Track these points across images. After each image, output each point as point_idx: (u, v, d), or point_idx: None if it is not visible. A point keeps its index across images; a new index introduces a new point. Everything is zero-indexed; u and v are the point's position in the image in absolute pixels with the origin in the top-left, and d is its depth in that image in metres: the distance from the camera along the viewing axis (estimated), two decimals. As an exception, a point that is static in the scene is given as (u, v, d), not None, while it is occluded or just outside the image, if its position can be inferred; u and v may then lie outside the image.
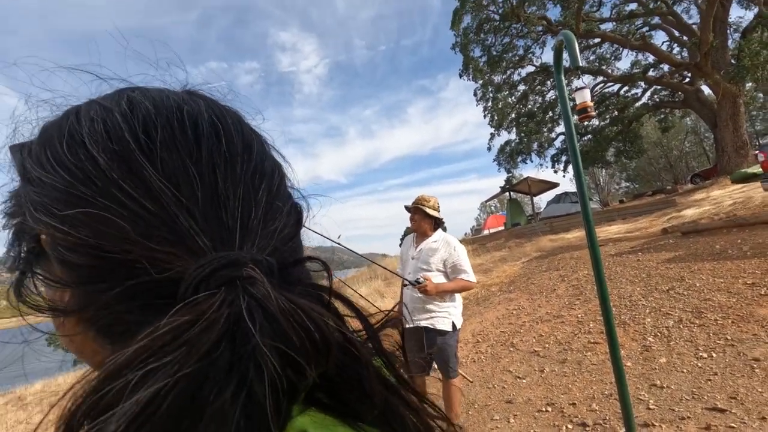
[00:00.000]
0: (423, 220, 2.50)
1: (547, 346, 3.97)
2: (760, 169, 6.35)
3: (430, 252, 2.45)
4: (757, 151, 10.16)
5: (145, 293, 0.23)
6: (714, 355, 2.88)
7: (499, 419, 2.76)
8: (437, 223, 2.56)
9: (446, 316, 2.33)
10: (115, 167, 0.23)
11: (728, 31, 15.08)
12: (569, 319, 4.51)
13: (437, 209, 2.55)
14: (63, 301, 0.25)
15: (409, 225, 2.64)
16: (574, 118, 2.32)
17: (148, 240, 0.23)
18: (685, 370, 2.79)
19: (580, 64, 1.95)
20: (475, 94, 19.45)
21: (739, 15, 38.51)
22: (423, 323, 2.33)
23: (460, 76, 18.39)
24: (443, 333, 2.30)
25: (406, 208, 2.58)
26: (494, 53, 17.35)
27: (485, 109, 19.58)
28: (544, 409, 2.75)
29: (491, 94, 18.94)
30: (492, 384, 3.41)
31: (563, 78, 2.34)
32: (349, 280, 16.84)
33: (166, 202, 0.24)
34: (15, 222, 0.27)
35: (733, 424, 2.09)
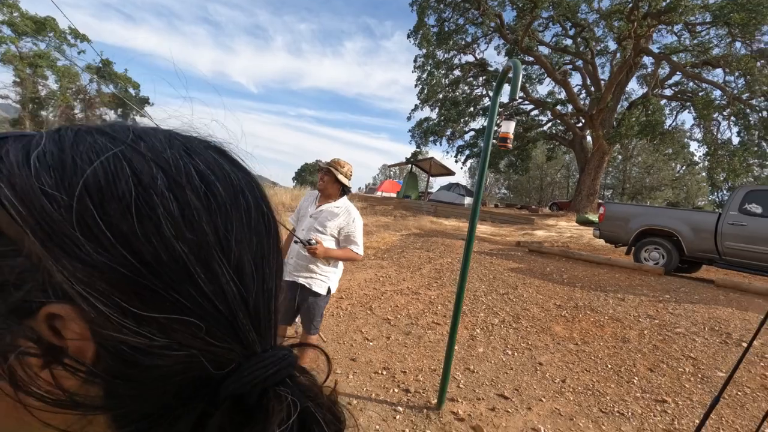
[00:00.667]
0: (331, 184, 2.49)
1: (399, 317, 4.48)
2: (597, 219, 7.93)
3: (330, 216, 2.48)
4: (600, 202, 12.63)
5: (186, 387, 0.22)
6: (515, 354, 3.66)
7: (340, 374, 3.07)
8: (344, 190, 2.58)
9: (324, 280, 2.43)
10: (192, 260, 0.22)
11: (622, 97, 17.95)
12: (423, 298, 5.13)
13: (349, 177, 2.56)
14: (85, 394, 0.21)
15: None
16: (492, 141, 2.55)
17: (211, 337, 0.22)
18: (492, 362, 3.49)
19: (517, 98, 2.12)
20: (415, 61, 19.38)
21: (634, 87, 45.90)
22: (301, 280, 2.39)
23: (408, 36, 18.01)
24: (316, 294, 2.41)
25: (319, 166, 2.53)
26: (446, 29, 17.35)
27: (419, 79, 19.73)
28: (380, 372, 3.16)
29: (429, 68, 19.10)
30: (343, 341, 3.74)
31: (498, 98, 2.52)
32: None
33: (231, 300, 0.23)
34: (13, 283, 0.20)
35: (509, 410, 2.74)
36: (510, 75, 2.21)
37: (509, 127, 2.26)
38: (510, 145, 2.34)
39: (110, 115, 14.72)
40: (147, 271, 0.21)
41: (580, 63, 18.55)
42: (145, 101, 15.40)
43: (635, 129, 14.18)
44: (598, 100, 15.66)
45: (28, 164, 0.21)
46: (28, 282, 0.20)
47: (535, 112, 20.31)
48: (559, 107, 18.46)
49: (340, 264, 2.61)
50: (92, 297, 0.20)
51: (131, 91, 14.90)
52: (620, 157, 34.94)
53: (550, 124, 20.62)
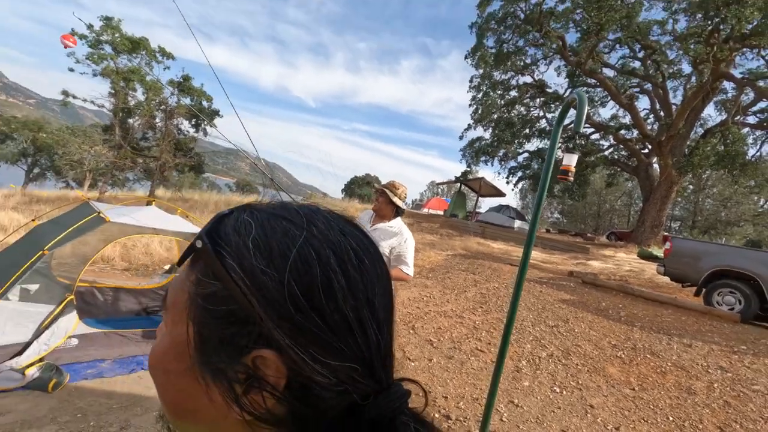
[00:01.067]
0: (386, 205, 2.58)
1: (441, 339, 4.43)
2: (662, 254, 7.35)
3: (384, 235, 2.57)
4: (667, 235, 11.69)
5: (340, 413, 0.30)
6: (564, 392, 3.48)
7: (381, 391, 3.11)
8: (398, 211, 2.66)
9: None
10: (354, 320, 0.30)
11: (697, 123, 16.62)
12: (468, 322, 5.03)
13: (403, 199, 2.64)
14: (277, 413, 0.30)
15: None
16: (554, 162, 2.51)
17: (360, 377, 0.30)
18: (539, 398, 3.34)
19: (580, 131, 2.09)
20: (471, 81, 19.37)
21: (711, 113, 42.22)
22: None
23: (466, 57, 18.08)
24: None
25: (375, 187, 2.64)
26: (505, 50, 17.22)
27: (473, 99, 19.65)
28: (420, 395, 3.15)
29: (485, 88, 19.00)
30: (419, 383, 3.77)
31: (559, 131, 2.49)
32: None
33: (374, 348, 0.31)
34: (238, 333, 0.30)
35: (555, 451, 2.61)
36: (574, 107, 2.19)
37: (572, 160, 2.22)
38: (571, 178, 2.30)
39: (185, 124, 16.09)
40: (328, 329, 0.29)
41: (648, 86, 17.50)
42: (216, 113, 16.75)
43: (711, 159, 13.03)
44: (668, 126, 14.65)
45: (248, 248, 0.30)
46: (248, 332, 0.29)
47: (596, 135, 19.37)
48: (623, 132, 17.49)
49: None
50: (295, 347, 0.28)
51: (204, 104, 16.29)
52: (691, 187, 32.13)
53: (611, 149, 19.55)
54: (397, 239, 2.56)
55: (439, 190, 58.01)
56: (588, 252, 13.58)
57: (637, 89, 18.12)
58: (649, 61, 16.31)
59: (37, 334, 2.59)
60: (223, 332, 0.30)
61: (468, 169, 24.65)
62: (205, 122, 16.58)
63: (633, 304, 6.29)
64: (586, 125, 18.85)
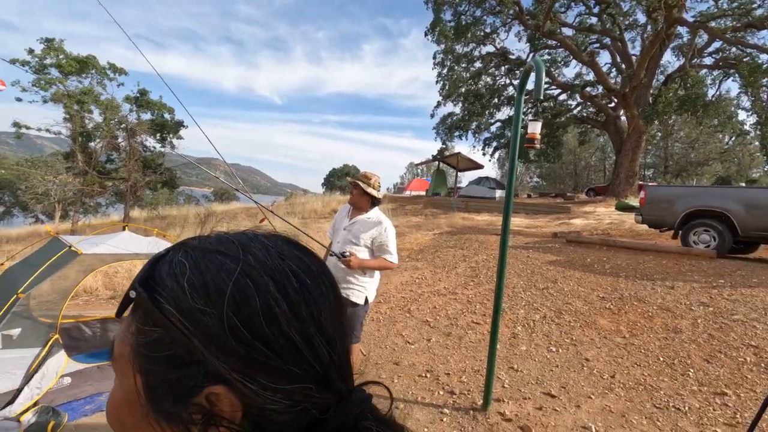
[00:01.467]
0: (361, 196, 2.58)
1: (438, 318, 4.51)
2: (638, 204, 7.59)
3: (362, 227, 2.58)
4: (641, 184, 12.04)
5: (301, 429, 0.31)
6: (560, 350, 3.60)
7: (385, 378, 3.16)
8: (374, 201, 2.66)
9: (362, 290, 2.52)
10: (300, 341, 0.30)
11: (657, 71, 16.97)
12: (461, 298, 5.13)
13: (377, 188, 2.64)
14: None
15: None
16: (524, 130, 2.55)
17: (316, 393, 0.31)
18: (537, 359, 3.46)
19: (541, 97, 2.12)
20: (434, 58, 19.22)
21: (669, 59, 43.10)
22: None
23: (426, 34, 17.90)
24: (355, 305, 2.50)
25: (349, 181, 2.63)
26: (463, 22, 17.11)
27: (439, 75, 19.56)
28: (424, 375, 3.22)
29: (449, 63, 18.91)
30: (385, 345, 3.83)
31: (522, 100, 2.52)
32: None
33: (326, 363, 0.31)
34: (185, 375, 0.30)
35: (557, 408, 2.72)
36: (533, 75, 2.21)
37: (536, 128, 2.25)
38: (538, 146, 2.33)
39: (150, 141, 15.58)
40: (275, 355, 0.29)
41: (607, 41, 17.72)
42: (180, 124, 16.24)
43: (674, 104, 13.40)
44: (630, 77, 14.94)
45: (183, 289, 0.30)
46: (195, 373, 0.29)
47: (563, 96, 19.59)
48: (588, 89, 17.75)
49: (377, 273, 2.70)
50: (243, 380, 0.29)
51: (166, 116, 15.76)
52: (660, 134, 33.03)
53: (579, 108, 19.85)
54: (377, 229, 2.57)
55: (419, 170, 58.12)
56: (570, 211, 13.90)
57: (597, 45, 18.34)
58: (605, 16, 16.48)
59: (27, 379, 2.52)
60: (170, 377, 0.30)
61: (444, 146, 24.78)
62: (171, 135, 16.09)
63: (616, 255, 6.50)
64: (553, 87, 19.06)
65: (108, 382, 2.89)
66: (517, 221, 11.97)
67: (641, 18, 16.61)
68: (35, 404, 2.52)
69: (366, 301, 2.57)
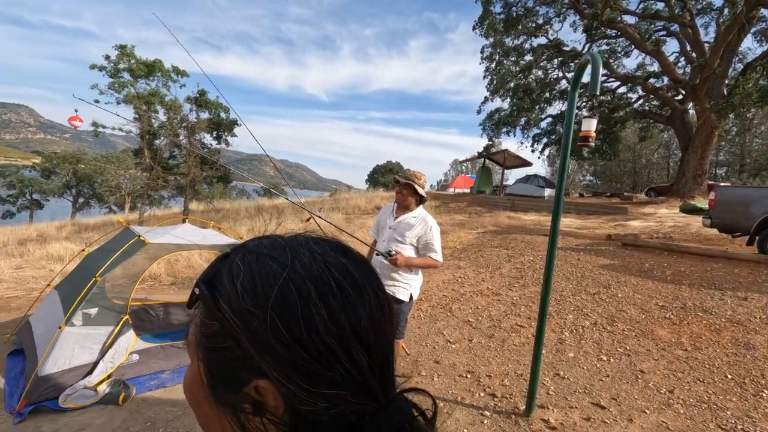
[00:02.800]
0: (410, 196, 2.60)
1: (480, 318, 4.43)
2: (707, 206, 6.94)
3: (408, 226, 2.59)
4: (712, 184, 10.97)
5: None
6: (612, 360, 3.41)
7: (425, 375, 3.16)
8: (420, 200, 2.67)
9: (407, 288, 2.55)
10: (339, 349, 0.32)
11: (734, 59, 15.33)
12: (505, 299, 5.00)
13: (424, 187, 2.65)
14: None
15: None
16: (576, 126, 2.43)
17: (353, 399, 0.32)
18: (585, 368, 3.30)
19: (597, 93, 2.01)
20: (482, 52, 18.71)
21: (750, 46, 38.70)
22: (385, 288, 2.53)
23: (474, 28, 17.46)
24: (400, 301, 2.53)
25: (396, 180, 2.65)
26: (514, 14, 16.48)
27: (487, 69, 19.02)
28: (464, 375, 3.19)
29: (498, 57, 18.31)
30: (426, 343, 3.83)
31: (576, 95, 2.40)
32: (310, 204, 16.91)
33: (365, 371, 0.33)
34: (237, 367, 0.33)
35: (606, 420, 2.58)
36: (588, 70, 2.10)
37: (590, 125, 2.14)
38: (593, 144, 2.21)
39: (208, 138, 16.62)
40: (312, 360, 0.31)
41: (675, 27, 16.26)
42: (234, 122, 17.13)
43: (754, 96, 12.00)
44: (702, 67, 13.59)
45: (237, 290, 0.33)
46: (244, 365, 0.33)
47: (623, 89, 18.27)
48: (651, 81, 16.41)
49: (420, 271, 2.71)
50: (282, 379, 0.31)
51: (222, 115, 16.70)
52: (735, 129, 29.86)
53: (641, 101, 18.41)
54: (422, 228, 2.58)
55: (463, 167, 56.99)
56: (626, 212, 13.00)
57: (663, 32, 16.87)
58: (673, 0, 15.13)
59: (102, 353, 2.82)
60: (224, 367, 0.34)
61: (490, 142, 24.06)
62: (226, 133, 17.05)
63: (679, 261, 6.00)
64: (611, 80, 17.86)
65: (169, 361, 3.16)
66: (567, 222, 11.40)
67: (717, 1, 15.08)
68: (109, 377, 2.81)
69: (411, 298, 2.59)
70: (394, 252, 2.42)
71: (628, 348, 3.60)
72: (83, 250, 4.11)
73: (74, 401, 2.61)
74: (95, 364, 2.78)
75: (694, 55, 15.74)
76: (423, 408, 0.37)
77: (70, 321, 2.83)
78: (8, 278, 6.41)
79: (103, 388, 2.70)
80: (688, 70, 16.78)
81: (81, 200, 30.65)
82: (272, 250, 0.36)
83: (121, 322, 2.96)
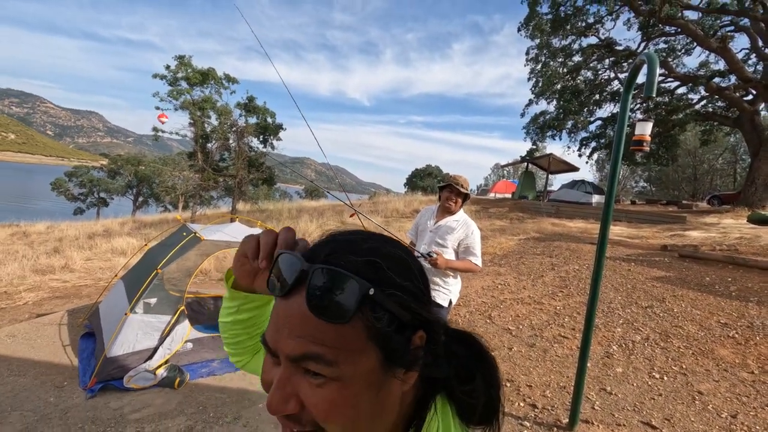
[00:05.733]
0: (458, 202, 2.62)
1: (521, 327, 4.32)
2: (780, 216, 6.31)
3: (449, 230, 2.60)
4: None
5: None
6: (665, 378, 3.20)
7: (462, 381, 3.14)
8: (463, 202, 2.68)
9: (447, 293, 2.55)
10: (420, 283, 0.45)
11: (816, 55, 13.81)
12: (548, 308, 4.83)
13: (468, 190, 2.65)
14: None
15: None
16: (629, 128, 2.33)
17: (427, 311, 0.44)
18: (635, 384, 3.12)
19: (653, 95, 1.93)
20: (527, 53, 18.17)
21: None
22: (424, 291, 2.55)
23: (519, 30, 17.01)
24: (439, 306, 2.53)
25: (447, 187, 2.64)
26: (562, 14, 15.88)
27: (532, 71, 18.43)
28: (504, 384, 3.12)
29: (544, 58, 17.71)
30: (463, 348, 3.79)
31: (629, 97, 2.30)
32: (354, 206, 17.19)
33: (428, 297, 0.47)
34: (404, 330, 0.42)
35: (658, 441, 2.43)
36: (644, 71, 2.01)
37: (645, 129, 2.04)
38: (647, 148, 2.11)
39: (255, 142, 17.45)
40: (427, 292, 0.46)
41: (746, 22, 14.91)
42: (279, 127, 17.84)
43: (840, 95, 10.75)
44: (776, 64, 12.38)
45: (391, 276, 0.42)
46: (409, 327, 0.42)
47: (682, 89, 17.00)
48: (716, 80, 15.15)
49: (460, 276, 2.70)
50: (425, 311, 0.43)
51: (269, 120, 17.45)
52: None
53: (704, 102, 17.04)
54: (463, 231, 2.58)
55: (505, 172, 55.47)
56: (684, 221, 12.09)
57: (731, 28, 15.52)
58: (743, -8, 13.91)
59: (161, 340, 3.06)
60: (398, 336, 0.41)
61: (534, 146, 23.30)
62: (272, 137, 17.77)
63: (746, 276, 5.51)
64: (669, 80, 16.71)
65: (219, 351, 3.36)
66: (617, 230, 10.79)
67: (795, -9, 13.63)
68: (166, 362, 3.04)
69: (450, 303, 2.59)
70: (434, 254, 2.43)
71: (684, 366, 3.36)
72: (145, 245, 4.47)
73: (136, 382, 2.86)
74: (155, 350, 3.02)
75: (767, 51, 14.36)
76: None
77: (134, 309, 3.09)
78: (79, 268, 7.08)
79: (161, 372, 2.93)
80: (759, 68, 15.34)
81: (141, 199, 33.17)
82: (382, 244, 0.45)
83: (177, 312, 3.20)
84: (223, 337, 0.67)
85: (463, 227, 2.59)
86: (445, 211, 2.66)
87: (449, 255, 2.55)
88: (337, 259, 0.41)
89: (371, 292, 0.38)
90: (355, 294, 0.38)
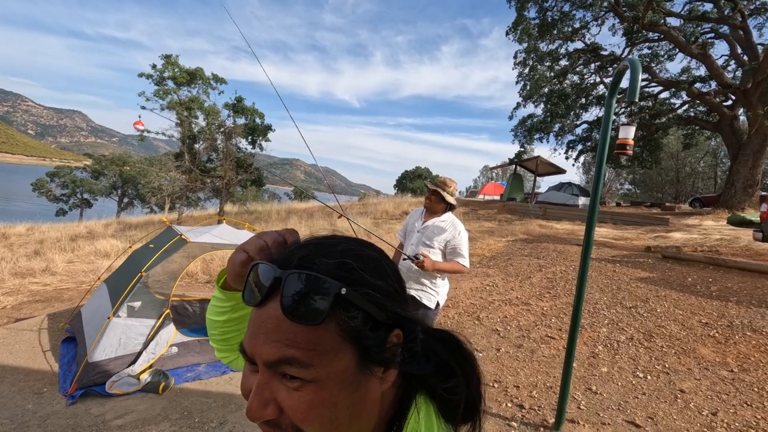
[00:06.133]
0: (439, 203, 2.62)
1: (508, 328, 4.36)
2: (758, 218, 6.50)
3: (436, 231, 2.61)
4: (764, 195, 10.23)
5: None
6: (649, 377, 3.26)
7: (451, 382, 3.15)
8: (449, 207, 2.68)
9: (434, 295, 2.55)
10: (395, 283, 0.47)
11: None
12: (535, 309, 4.88)
13: (454, 195, 2.66)
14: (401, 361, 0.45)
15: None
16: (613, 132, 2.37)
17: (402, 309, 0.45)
18: (620, 384, 3.17)
19: (636, 99, 1.97)
20: (515, 57, 18.40)
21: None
22: (412, 293, 2.55)
23: (507, 34, 17.21)
24: (427, 308, 2.54)
25: (427, 186, 2.67)
26: (549, 19, 16.13)
27: (520, 75, 18.67)
28: (491, 384, 3.14)
29: (531, 62, 17.95)
30: (452, 349, 3.80)
31: (614, 102, 2.35)
32: (341, 208, 17.15)
33: (404, 297, 0.48)
34: (379, 329, 0.43)
35: (642, 439, 2.47)
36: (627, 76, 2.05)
37: (628, 133, 2.08)
38: (630, 152, 2.15)
39: (243, 142, 17.30)
40: (401, 292, 0.48)
41: (725, 29, 15.37)
42: (268, 128, 17.70)
43: (814, 101, 11.15)
44: (755, 70, 12.78)
45: (365, 277, 0.43)
46: (384, 326, 0.43)
47: (665, 94, 17.42)
48: (697, 85, 15.57)
49: (447, 278, 2.71)
50: (400, 309, 0.44)
51: (257, 120, 17.30)
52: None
53: (686, 107, 17.48)
54: (450, 233, 2.59)
55: (494, 174, 56.03)
56: (667, 223, 12.36)
57: (711, 35, 15.98)
58: (723, 1, 14.34)
59: (145, 344, 3.01)
60: (373, 335, 0.41)
61: (522, 149, 23.63)
62: (260, 138, 17.63)
63: (726, 276, 5.65)
64: (652, 84, 17.10)
65: (205, 355, 3.31)
66: (602, 231, 10.98)
67: (772, 0, 14.12)
68: (150, 367, 2.98)
69: (437, 305, 2.60)
70: (421, 255, 2.44)
71: (667, 366, 3.43)
72: (130, 247, 4.38)
73: (119, 387, 2.80)
74: (138, 354, 2.96)
75: (745, 58, 14.81)
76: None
77: (117, 313, 3.03)
78: (61, 271, 6.91)
79: (145, 377, 2.87)
80: (738, 74, 15.80)
81: (126, 200, 32.55)
82: (355, 246, 0.46)
83: (162, 316, 3.14)
84: (210, 334, 0.67)
85: (450, 228, 2.60)
86: (431, 212, 2.68)
87: (436, 256, 2.55)
88: (310, 263, 0.41)
89: (343, 291, 0.39)
90: (327, 295, 0.39)
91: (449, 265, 2.57)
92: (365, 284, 0.42)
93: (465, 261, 2.60)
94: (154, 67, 15.54)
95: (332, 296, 0.39)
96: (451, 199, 2.59)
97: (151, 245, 3.78)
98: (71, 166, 34.12)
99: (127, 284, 3.18)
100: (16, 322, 4.08)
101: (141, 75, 15.55)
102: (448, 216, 2.68)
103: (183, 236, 3.50)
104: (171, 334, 3.18)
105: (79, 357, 3.03)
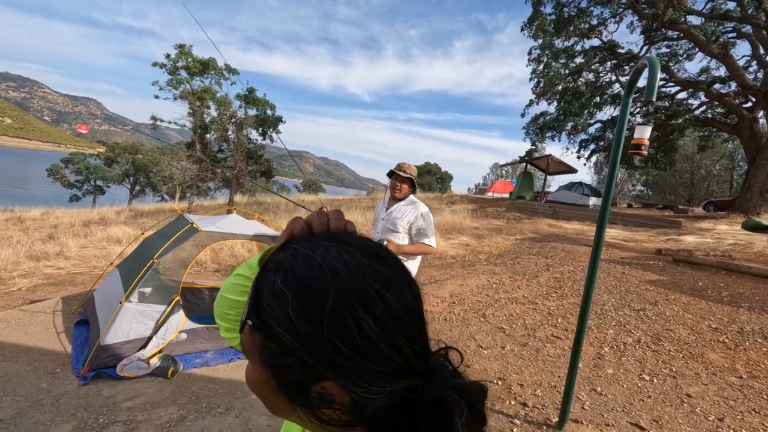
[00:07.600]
0: (409, 189, 2.70)
1: (514, 326, 4.35)
2: (775, 224, 6.36)
3: (399, 214, 2.65)
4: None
5: (397, 404, 0.38)
6: (655, 380, 3.23)
7: (455, 378, 3.16)
8: (412, 191, 2.77)
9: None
10: (388, 348, 0.36)
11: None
12: (541, 308, 4.86)
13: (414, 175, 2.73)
14: (348, 418, 0.38)
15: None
16: (627, 130, 2.34)
17: (403, 380, 0.37)
18: (625, 386, 3.16)
19: (653, 99, 1.93)
20: (530, 54, 18.13)
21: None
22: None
23: (522, 29, 16.96)
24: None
25: (393, 174, 2.69)
26: (566, 15, 15.84)
27: (534, 72, 18.41)
28: (495, 382, 3.15)
29: (546, 59, 17.68)
30: (457, 346, 3.80)
31: (630, 101, 2.31)
32: (347, 201, 17.25)
33: (409, 356, 0.37)
34: (302, 374, 0.37)
35: (646, 442, 2.46)
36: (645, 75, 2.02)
37: (644, 133, 2.05)
38: (645, 152, 2.12)
39: (254, 134, 17.38)
40: (368, 361, 0.35)
41: (747, 29, 14.95)
42: (279, 119, 17.76)
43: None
44: (776, 72, 12.44)
45: (290, 317, 0.36)
46: (308, 374, 0.37)
47: (683, 94, 17.05)
48: (717, 86, 15.20)
49: (417, 259, 2.74)
50: (344, 381, 0.36)
51: (268, 112, 17.37)
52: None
53: (703, 108, 17.09)
54: (413, 214, 2.64)
55: (503, 171, 55.59)
56: (680, 226, 12.17)
57: (733, 35, 15.56)
58: (747, 0, 13.93)
59: (155, 329, 3.07)
60: (291, 376, 0.38)
61: (533, 147, 23.33)
62: (271, 130, 17.70)
63: (738, 282, 5.56)
64: (669, 84, 16.74)
65: (213, 342, 3.37)
66: (613, 233, 10.84)
67: (798, 0, 13.66)
68: (160, 351, 3.04)
69: None
70: (385, 241, 2.47)
71: (674, 369, 3.40)
72: (142, 234, 4.46)
73: (129, 371, 2.86)
74: (149, 339, 3.02)
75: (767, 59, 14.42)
76: (453, 363, 0.44)
77: (129, 298, 3.09)
78: (74, 256, 7.06)
79: (155, 362, 2.94)
80: (760, 75, 15.40)
81: (137, 188, 32.99)
82: (311, 271, 0.37)
83: (173, 302, 3.20)
84: (224, 313, 0.64)
85: (412, 210, 2.64)
86: (395, 198, 2.72)
87: (402, 239, 2.59)
88: (270, 273, 0.39)
89: (249, 322, 0.39)
90: (242, 314, 0.40)
91: (414, 248, 2.60)
92: (285, 327, 0.36)
93: (431, 241, 2.61)
94: (168, 56, 15.67)
95: (243, 319, 0.40)
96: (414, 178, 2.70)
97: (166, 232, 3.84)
98: (85, 153, 34.68)
99: (139, 270, 3.24)
100: (31, 304, 4.19)
101: (155, 64, 15.69)
102: (410, 199, 2.73)
103: (194, 225, 3.54)
104: (180, 320, 3.24)
105: (91, 339, 3.10)
